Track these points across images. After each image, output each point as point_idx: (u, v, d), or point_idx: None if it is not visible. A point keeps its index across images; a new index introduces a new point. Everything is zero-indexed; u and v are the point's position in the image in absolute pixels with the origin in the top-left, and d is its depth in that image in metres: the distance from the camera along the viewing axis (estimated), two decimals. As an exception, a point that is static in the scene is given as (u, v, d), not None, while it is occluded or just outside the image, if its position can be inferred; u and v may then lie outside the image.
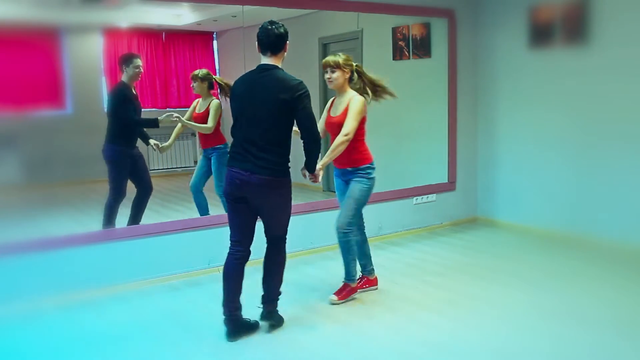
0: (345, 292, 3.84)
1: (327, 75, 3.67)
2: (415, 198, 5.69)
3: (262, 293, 3.41)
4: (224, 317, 3.27)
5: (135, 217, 4.52)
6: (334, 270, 4.46)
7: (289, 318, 3.51)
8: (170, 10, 5.20)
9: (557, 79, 5.21)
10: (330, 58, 3.66)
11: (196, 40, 5.79)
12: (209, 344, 3.24)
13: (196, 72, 4.86)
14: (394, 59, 5.65)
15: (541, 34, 5.31)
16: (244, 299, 3.32)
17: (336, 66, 3.63)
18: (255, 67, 3.22)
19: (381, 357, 3.05)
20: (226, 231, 4.52)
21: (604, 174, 4.91)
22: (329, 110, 3.80)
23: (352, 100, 3.62)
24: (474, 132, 6.01)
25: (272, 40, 3.12)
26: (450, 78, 5.76)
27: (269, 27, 3.13)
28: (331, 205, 4.83)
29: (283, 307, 3.53)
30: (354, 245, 3.81)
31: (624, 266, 4.43)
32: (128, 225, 4.44)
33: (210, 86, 4.85)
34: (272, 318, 3.42)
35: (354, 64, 3.73)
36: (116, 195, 4.47)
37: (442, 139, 5.82)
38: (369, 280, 4.02)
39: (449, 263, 4.68)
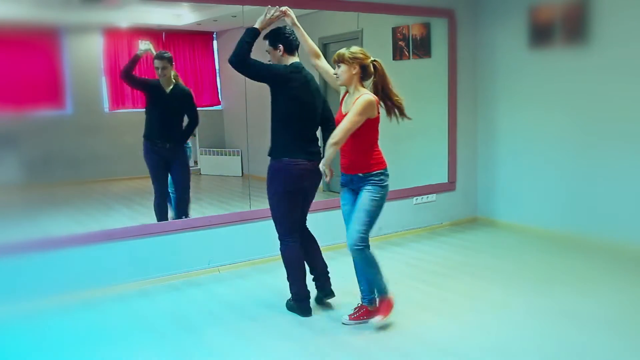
0: (385, 306, 3.42)
1: (333, 71, 3.34)
2: (415, 198, 5.69)
3: (315, 277, 3.72)
4: (302, 296, 3.57)
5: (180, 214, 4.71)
6: (334, 270, 4.45)
7: (287, 318, 3.51)
8: (170, 10, 5.20)
9: (557, 79, 5.21)
10: (338, 51, 3.27)
11: (196, 40, 5.79)
12: (209, 344, 3.24)
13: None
14: (394, 59, 5.65)
15: (541, 34, 5.31)
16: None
17: (340, 60, 3.23)
18: (294, 64, 3.47)
19: (381, 357, 3.06)
20: (227, 231, 4.59)
21: (604, 174, 4.91)
22: (340, 104, 3.42)
23: (358, 99, 3.17)
24: (474, 132, 6.00)
25: (298, 41, 3.53)
26: (450, 78, 5.76)
27: (291, 31, 3.48)
28: (331, 205, 4.83)
29: (282, 306, 3.52)
30: (374, 258, 3.33)
31: (623, 266, 4.43)
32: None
33: None
34: (330, 291, 3.73)
35: (371, 59, 3.28)
36: (157, 194, 4.62)
37: (442, 139, 5.82)
38: (367, 311, 3.54)
39: (449, 263, 4.67)
